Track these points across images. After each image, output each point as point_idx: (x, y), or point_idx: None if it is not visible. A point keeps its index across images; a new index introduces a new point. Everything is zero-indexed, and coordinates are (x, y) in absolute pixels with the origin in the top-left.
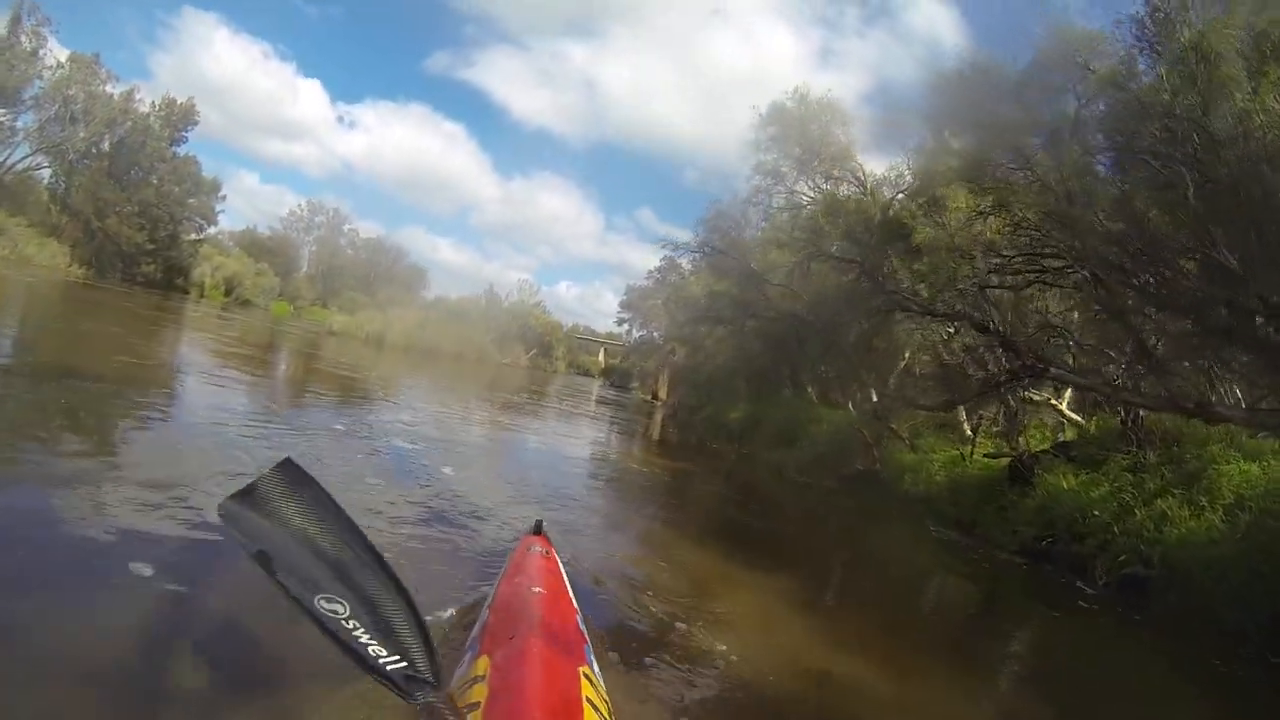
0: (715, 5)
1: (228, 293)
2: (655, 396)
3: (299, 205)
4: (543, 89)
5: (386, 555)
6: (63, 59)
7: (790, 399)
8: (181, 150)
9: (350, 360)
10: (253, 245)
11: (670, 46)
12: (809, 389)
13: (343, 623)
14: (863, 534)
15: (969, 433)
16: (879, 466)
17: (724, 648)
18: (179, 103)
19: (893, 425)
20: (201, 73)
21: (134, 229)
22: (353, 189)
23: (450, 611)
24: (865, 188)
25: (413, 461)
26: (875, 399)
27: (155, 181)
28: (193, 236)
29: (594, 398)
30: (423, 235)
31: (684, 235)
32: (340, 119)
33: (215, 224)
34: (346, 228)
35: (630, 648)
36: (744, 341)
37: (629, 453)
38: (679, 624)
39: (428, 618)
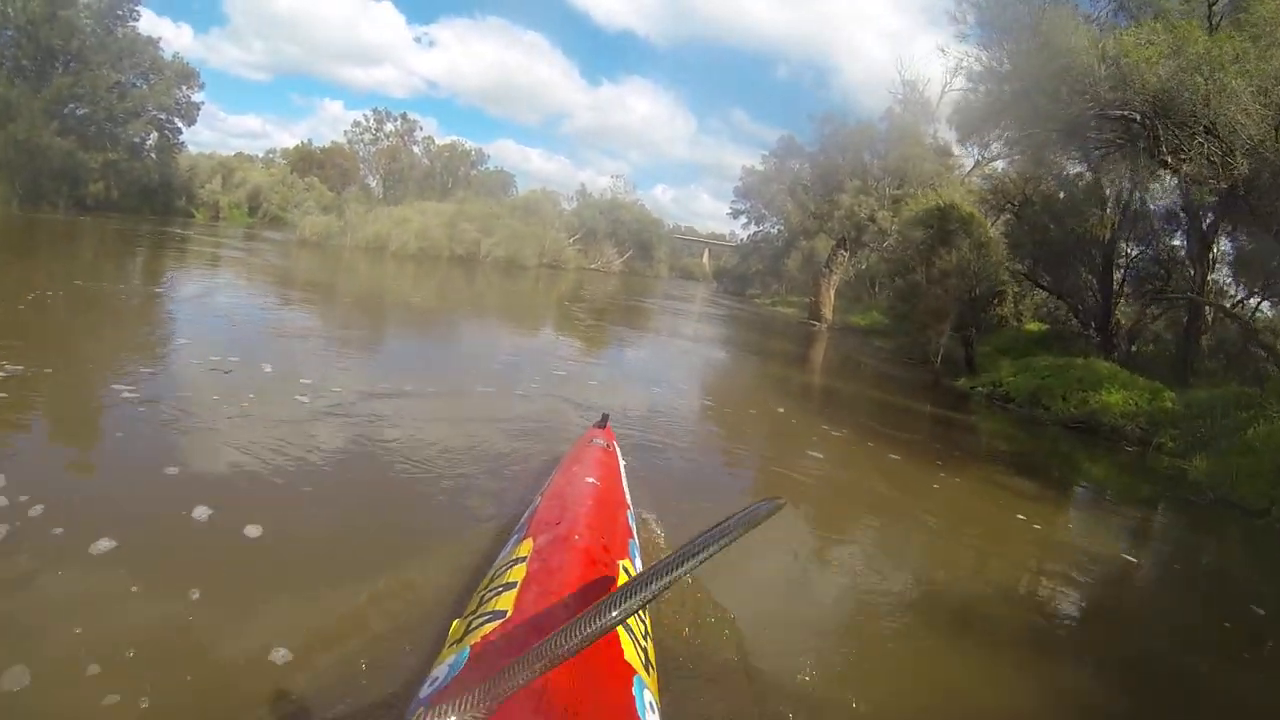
0: None
1: (253, 211)
2: (816, 316)
3: (364, 115)
4: None
5: None
6: None
7: None
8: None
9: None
10: (302, 160)
11: None
12: None
13: None
14: None
15: None
16: None
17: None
18: None
19: None
20: (273, 8)
21: (53, 134)
22: (438, 107)
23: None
24: None
25: None
26: None
27: (81, 69)
28: (170, 139)
29: (699, 313)
30: (513, 147)
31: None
32: (418, 39)
33: (193, 121)
34: (420, 135)
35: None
36: None
37: None
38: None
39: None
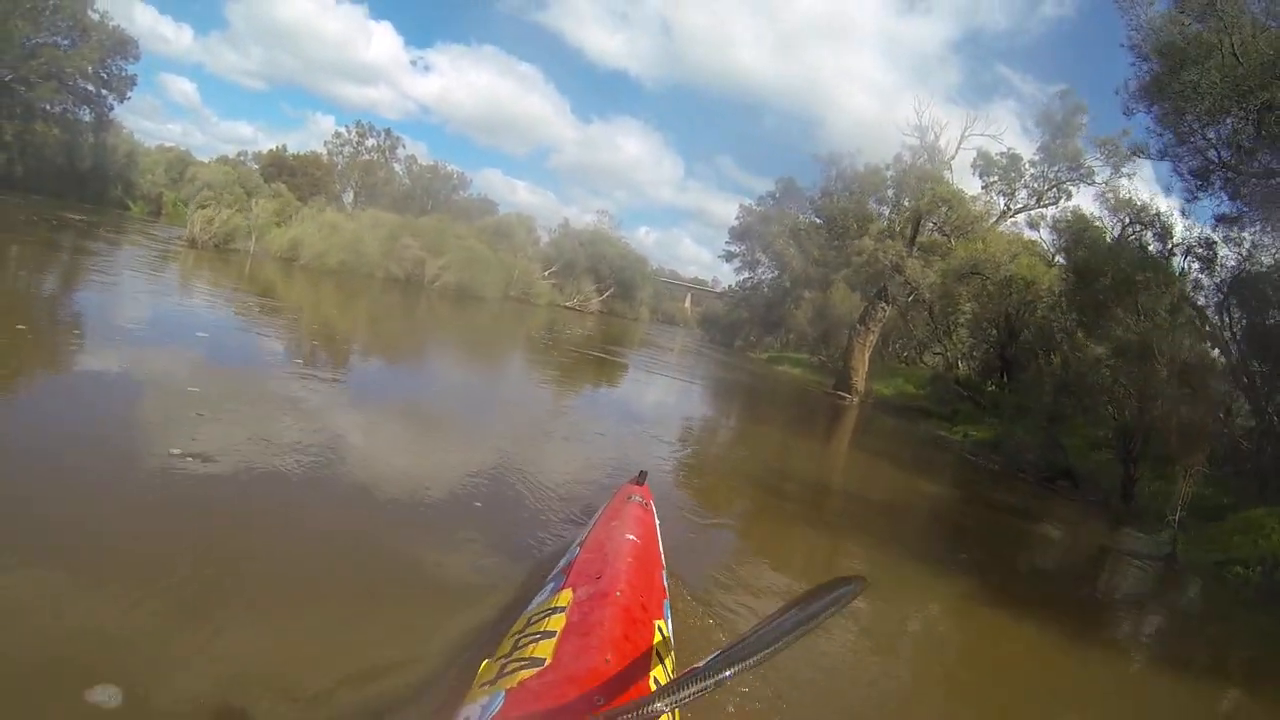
0: None
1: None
2: (845, 386)
3: (346, 127)
4: (619, 31)
5: None
6: None
7: None
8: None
9: None
10: (273, 165)
11: None
12: None
13: None
14: None
15: None
16: None
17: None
18: None
19: None
20: (274, 17)
21: None
22: (429, 132)
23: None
24: None
25: None
26: None
27: None
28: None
29: (691, 372)
30: (499, 177)
31: (766, 185)
32: (414, 62)
33: (127, 96)
34: (403, 153)
35: (709, 612)
36: None
37: None
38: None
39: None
